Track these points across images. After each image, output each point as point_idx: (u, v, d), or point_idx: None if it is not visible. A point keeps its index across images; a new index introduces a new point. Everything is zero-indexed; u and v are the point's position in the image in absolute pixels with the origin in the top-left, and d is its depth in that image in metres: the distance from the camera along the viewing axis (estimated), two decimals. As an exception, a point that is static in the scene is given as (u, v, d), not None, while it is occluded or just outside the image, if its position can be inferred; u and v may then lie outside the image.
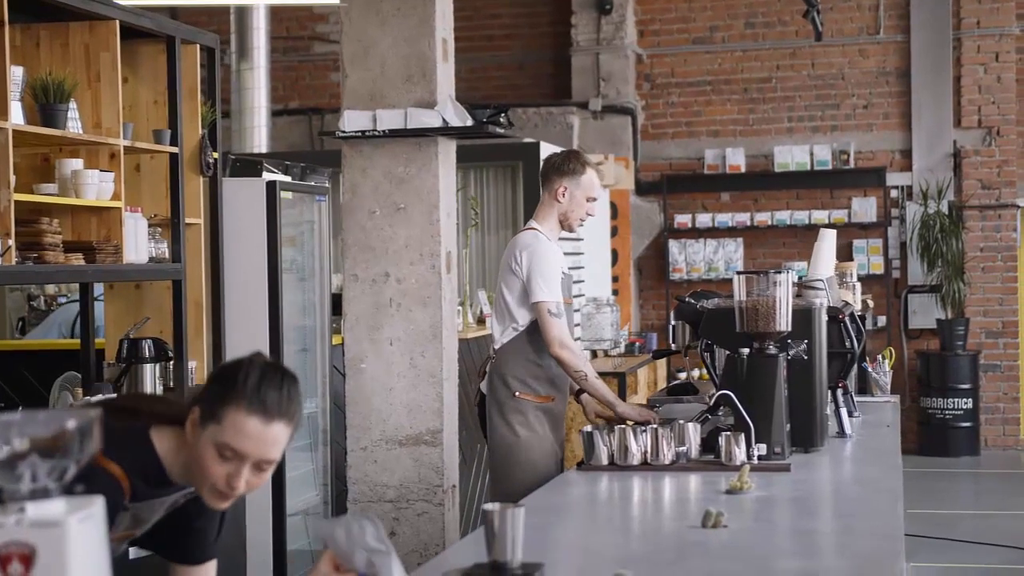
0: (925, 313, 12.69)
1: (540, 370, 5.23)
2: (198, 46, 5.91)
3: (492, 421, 5.27)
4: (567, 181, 5.31)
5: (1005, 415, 12.73)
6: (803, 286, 5.14)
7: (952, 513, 9.94)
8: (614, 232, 12.52)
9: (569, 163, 5.34)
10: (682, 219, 13.07)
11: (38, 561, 1.70)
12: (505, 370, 5.26)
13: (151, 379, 5.45)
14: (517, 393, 5.22)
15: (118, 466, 2.61)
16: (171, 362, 5.64)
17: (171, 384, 5.66)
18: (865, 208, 12.75)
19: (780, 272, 4.43)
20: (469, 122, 5.74)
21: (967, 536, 8.92)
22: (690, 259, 13.06)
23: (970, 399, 12.35)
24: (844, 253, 12.51)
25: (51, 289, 8.65)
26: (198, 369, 5.91)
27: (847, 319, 5.06)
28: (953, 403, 12.33)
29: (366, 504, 5.76)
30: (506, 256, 5.31)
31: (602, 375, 9.02)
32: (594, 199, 5.37)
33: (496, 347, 5.32)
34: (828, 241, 5.59)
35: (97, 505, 1.78)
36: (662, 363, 11.53)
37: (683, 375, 11.77)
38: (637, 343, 11.27)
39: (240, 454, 2.58)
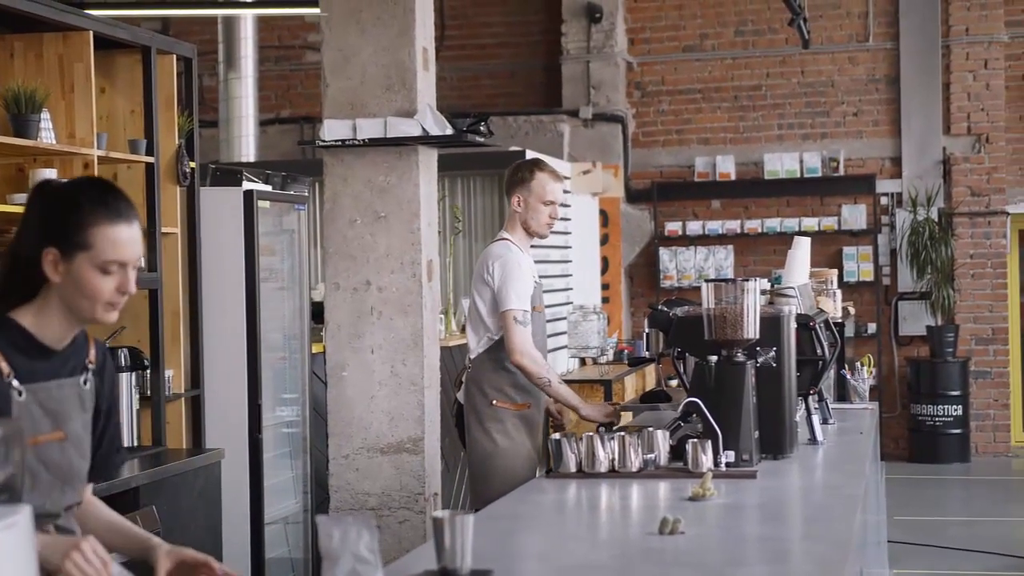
0: (915, 320, 12.70)
1: (515, 378, 5.28)
2: (175, 56, 5.93)
3: (470, 430, 5.33)
4: (519, 190, 5.40)
5: (995, 422, 12.74)
6: (775, 293, 5.16)
7: (941, 519, 9.94)
8: (604, 240, 12.54)
9: (518, 172, 5.44)
10: (672, 227, 13.08)
11: (-41, 569, 1.71)
12: (481, 379, 5.32)
13: (127, 388, 5.46)
14: (494, 402, 5.28)
15: None
16: (147, 371, 5.65)
17: (148, 393, 5.67)
18: (855, 215, 12.76)
19: (748, 280, 4.44)
20: (449, 131, 5.75)
21: (956, 543, 8.92)
22: (681, 267, 13.07)
23: (960, 406, 12.36)
24: (834, 260, 12.53)
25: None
26: (175, 378, 5.92)
27: (819, 326, 5.06)
28: (943, 410, 12.34)
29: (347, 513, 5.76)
30: (478, 267, 5.40)
31: (589, 383, 9.12)
32: (551, 202, 5.41)
33: (472, 356, 5.38)
34: (802, 249, 5.61)
35: (23, 514, 1.79)
36: (651, 370, 11.53)
37: (674, 383, 11.77)
38: (626, 351, 11.27)
39: (123, 263, 2.72)
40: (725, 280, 4.48)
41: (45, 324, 2.75)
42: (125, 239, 2.72)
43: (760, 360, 4.50)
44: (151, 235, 5.68)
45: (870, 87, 12.93)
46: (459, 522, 2.74)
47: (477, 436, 5.31)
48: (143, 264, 5.63)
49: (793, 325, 4.71)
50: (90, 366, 2.86)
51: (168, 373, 5.77)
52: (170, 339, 5.86)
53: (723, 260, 13.00)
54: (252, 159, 10.51)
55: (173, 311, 5.90)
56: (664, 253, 13.07)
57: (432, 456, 5.87)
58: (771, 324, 4.56)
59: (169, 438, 5.78)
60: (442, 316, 7.85)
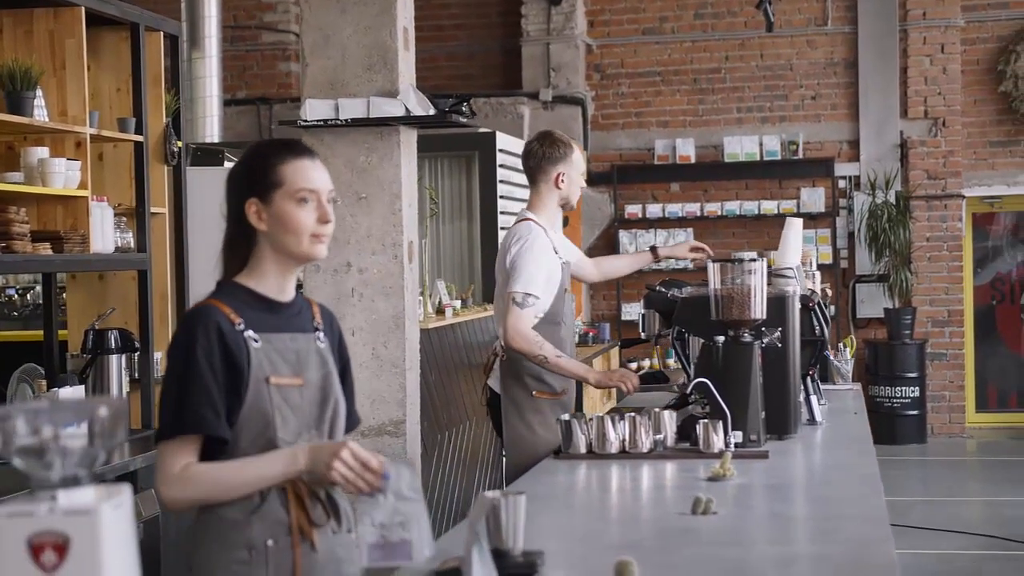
0: (873, 302, 12.82)
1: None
2: (162, 34, 5.84)
3: (508, 420, 5.13)
4: (562, 167, 5.25)
5: (951, 403, 12.88)
6: (773, 274, 5.17)
7: (900, 500, 10.03)
8: (565, 222, 12.43)
9: (558, 148, 5.26)
10: (632, 209, 13.11)
11: (72, 550, 1.68)
12: (520, 368, 5.14)
13: (117, 370, 5.38)
14: (535, 392, 5.12)
15: (214, 299, 2.89)
16: (137, 353, 5.57)
17: (137, 375, 5.59)
18: (814, 198, 12.85)
19: (755, 260, 4.44)
20: (431, 111, 5.71)
21: (914, 522, 9.01)
22: (641, 249, 13.09)
23: (917, 387, 12.49)
24: (793, 243, 12.59)
25: (26, 278, 8.53)
26: (163, 360, 5.83)
27: (816, 306, 5.09)
28: (900, 391, 12.46)
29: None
30: (501, 250, 5.23)
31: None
32: (583, 174, 5.36)
33: (503, 344, 5.14)
34: (795, 229, 5.63)
35: (126, 494, 1.76)
36: (614, 353, 11.57)
37: (635, 364, 11.82)
38: (590, 333, 11.31)
39: (314, 190, 2.88)
40: (732, 260, 4.47)
41: (262, 278, 2.91)
42: (310, 170, 2.89)
43: (766, 340, 4.50)
44: (139, 215, 5.59)
45: (828, 71, 13.01)
46: (512, 502, 2.72)
47: (517, 426, 5.12)
48: (132, 245, 5.55)
49: (797, 305, 4.73)
50: (319, 326, 2.99)
51: (157, 355, 5.68)
52: (158, 320, 5.77)
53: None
54: (217, 140, 10.39)
55: (161, 293, 5.81)
56: (624, 236, 13.09)
57: (413, 439, 5.84)
58: (776, 304, 4.57)
59: (158, 420, 5.69)
60: (419, 299, 7.80)
